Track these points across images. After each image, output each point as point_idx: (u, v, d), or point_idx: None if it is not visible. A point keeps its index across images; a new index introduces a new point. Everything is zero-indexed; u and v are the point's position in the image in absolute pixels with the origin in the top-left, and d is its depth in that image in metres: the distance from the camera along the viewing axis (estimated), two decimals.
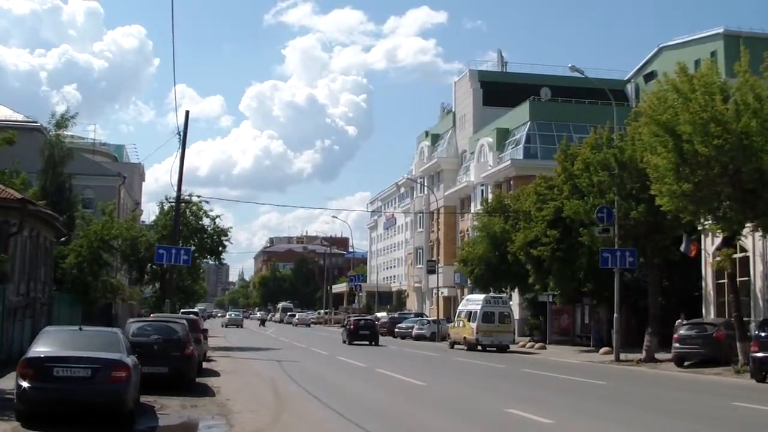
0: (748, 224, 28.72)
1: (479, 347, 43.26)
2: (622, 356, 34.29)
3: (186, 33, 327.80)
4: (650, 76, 65.39)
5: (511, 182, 66.66)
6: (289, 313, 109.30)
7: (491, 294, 48.50)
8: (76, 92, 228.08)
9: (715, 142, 25.27)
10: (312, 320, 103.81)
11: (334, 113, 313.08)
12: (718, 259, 30.70)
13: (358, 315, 66.53)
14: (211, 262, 53.71)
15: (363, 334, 49.40)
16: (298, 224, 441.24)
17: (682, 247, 35.38)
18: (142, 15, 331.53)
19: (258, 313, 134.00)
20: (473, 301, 46.56)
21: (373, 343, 48.53)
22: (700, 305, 37.68)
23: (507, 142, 72.30)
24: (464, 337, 44.87)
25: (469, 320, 44.52)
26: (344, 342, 49.26)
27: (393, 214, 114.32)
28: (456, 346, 45.79)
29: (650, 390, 22.80)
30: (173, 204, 38.38)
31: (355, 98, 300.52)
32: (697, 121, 25.52)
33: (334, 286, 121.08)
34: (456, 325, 47.56)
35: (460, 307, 49.26)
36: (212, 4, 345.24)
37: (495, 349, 42.99)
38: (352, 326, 50.13)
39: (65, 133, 42.14)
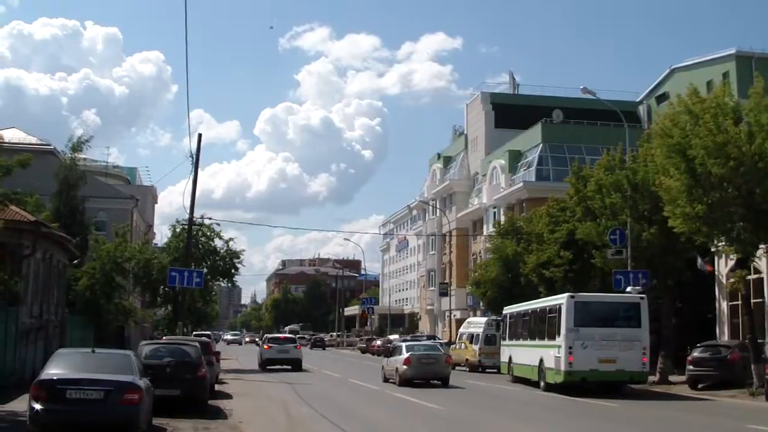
0: (761, 246, 28.57)
1: (480, 368, 43.80)
2: None
3: (203, 59, 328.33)
4: (662, 98, 65.37)
5: (524, 204, 66.57)
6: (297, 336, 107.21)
7: (493, 317, 48.61)
8: (95, 117, 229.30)
9: (730, 164, 25.19)
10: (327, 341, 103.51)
11: (350, 137, 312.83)
12: (731, 280, 30.51)
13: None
14: (223, 284, 53.76)
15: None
16: (311, 246, 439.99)
17: (699, 264, 35.29)
18: (161, 41, 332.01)
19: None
20: (475, 324, 47.51)
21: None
22: (714, 327, 37.46)
23: (519, 164, 72.28)
24: (466, 359, 45.71)
25: (471, 342, 45.67)
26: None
27: (405, 237, 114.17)
28: (457, 368, 45.66)
29: (664, 413, 22.66)
30: (186, 226, 38.45)
31: (369, 122, 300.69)
32: (709, 144, 25.45)
33: (346, 309, 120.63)
34: (458, 347, 48.20)
35: (461, 330, 50.35)
36: (228, 31, 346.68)
37: (496, 370, 42.94)
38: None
39: (79, 156, 42.34)
